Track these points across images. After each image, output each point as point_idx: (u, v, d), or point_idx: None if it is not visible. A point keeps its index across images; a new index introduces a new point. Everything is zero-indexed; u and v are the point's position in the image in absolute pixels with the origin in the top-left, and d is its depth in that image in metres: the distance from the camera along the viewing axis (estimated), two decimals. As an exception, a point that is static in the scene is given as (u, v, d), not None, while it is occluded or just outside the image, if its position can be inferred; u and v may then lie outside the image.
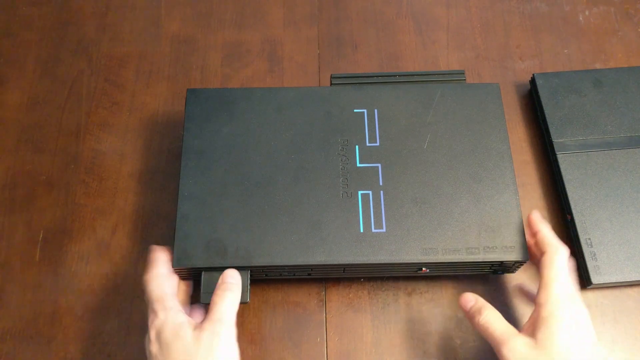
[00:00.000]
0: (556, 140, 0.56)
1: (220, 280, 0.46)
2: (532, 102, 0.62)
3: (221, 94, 0.53)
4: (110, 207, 0.57)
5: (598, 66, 0.64)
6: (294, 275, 0.50)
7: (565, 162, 0.55)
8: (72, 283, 0.53)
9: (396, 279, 0.53)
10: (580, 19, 0.68)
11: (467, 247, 0.47)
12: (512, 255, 0.47)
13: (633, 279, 0.51)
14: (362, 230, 0.47)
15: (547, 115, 0.58)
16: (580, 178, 0.54)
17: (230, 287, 0.45)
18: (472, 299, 0.46)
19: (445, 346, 0.50)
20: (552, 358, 0.39)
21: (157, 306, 0.44)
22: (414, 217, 0.48)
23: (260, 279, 0.50)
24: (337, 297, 0.52)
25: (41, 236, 0.56)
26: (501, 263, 0.48)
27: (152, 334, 0.43)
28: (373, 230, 0.47)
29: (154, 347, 0.43)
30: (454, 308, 0.52)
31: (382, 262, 0.47)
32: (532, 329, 0.42)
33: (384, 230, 0.47)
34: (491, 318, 0.43)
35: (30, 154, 0.60)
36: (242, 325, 0.51)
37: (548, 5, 0.69)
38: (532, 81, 0.61)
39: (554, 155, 0.56)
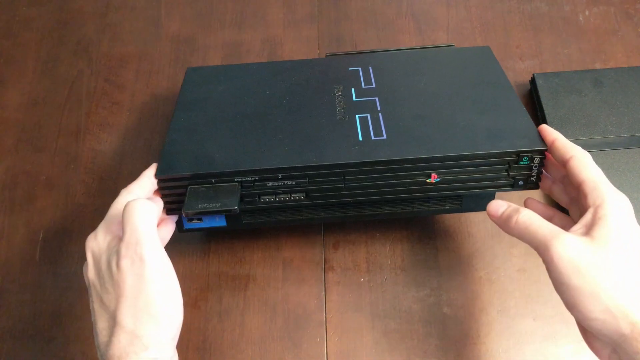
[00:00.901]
0: (556, 140, 0.56)
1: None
2: (532, 102, 0.62)
3: (221, 69, 0.55)
4: (110, 207, 0.57)
5: (598, 66, 0.64)
6: (290, 196, 0.45)
7: (565, 162, 0.55)
8: (72, 283, 0.53)
9: (396, 277, 0.53)
10: (580, 19, 0.68)
11: (478, 143, 0.43)
12: (529, 144, 0.43)
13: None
14: (361, 139, 0.45)
15: (547, 115, 0.58)
16: (580, 178, 0.54)
17: (139, 198, 0.41)
18: (502, 204, 0.41)
19: (445, 346, 0.50)
20: (611, 254, 0.35)
21: (101, 226, 0.41)
22: (417, 127, 0.45)
23: (253, 208, 0.46)
24: (337, 297, 0.52)
25: (41, 236, 0.56)
26: (518, 159, 0.44)
27: (89, 257, 0.40)
28: (373, 138, 0.45)
29: (91, 274, 0.39)
30: (454, 308, 0.52)
31: (386, 158, 0.43)
32: (584, 230, 0.37)
33: (384, 137, 0.45)
34: (532, 216, 0.38)
35: (30, 154, 0.60)
36: (242, 325, 0.51)
37: (548, 5, 0.69)
38: (532, 81, 0.61)
39: (554, 155, 0.56)
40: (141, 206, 0.39)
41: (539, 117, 0.60)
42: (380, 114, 0.47)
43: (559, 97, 0.58)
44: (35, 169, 0.59)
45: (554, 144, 0.42)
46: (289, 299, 0.52)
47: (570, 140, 0.55)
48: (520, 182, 0.46)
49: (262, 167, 0.43)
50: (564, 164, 0.42)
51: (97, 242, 0.40)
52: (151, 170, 0.44)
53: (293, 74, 0.53)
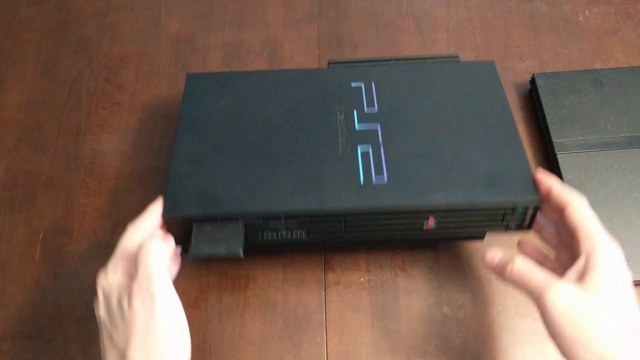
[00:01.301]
0: (556, 140, 0.56)
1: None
2: (532, 102, 0.62)
3: (221, 77, 0.54)
4: (110, 207, 0.57)
5: (598, 66, 0.64)
6: (292, 235, 0.47)
7: (565, 162, 0.55)
8: (72, 283, 0.53)
9: (396, 278, 0.53)
10: (580, 19, 0.68)
11: (475, 193, 0.45)
12: (525, 198, 0.44)
13: (633, 279, 0.51)
14: (362, 183, 0.46)
15: (547, 115, 0.58)
16: (580, 178, 0.54)
17: (152, 236, 0.43)
18: (497, 253, 0.42)
19: (445, 346, 0.50)
20: (602, 302, 0.36)
21: (110, 263, 0.42)
22: (417, 168, 0.46)
23: (256, 243, 0.47)
24: (337, 297, 0.52)
25: (41, 236, 0.56)
26: (513, 210, 0.45)
27: (100, 294, 0.41)
28: (374, 181, 0.46)
29: (102, 311, 0.40)
30: (454, 308, 0.52)
31: (385, 208, 0.44)
32: (576, 277, 0.38)
33: (385, 181, 0.45)
34: (526, 264, 0.40)
35: (30, 154, 0.60)
36: (242, 325, 0.51)
37: (548, 5, 0.69)
38: (532, 81, 0.61)
39: (554, 155, 0.56)
40: (155, 247, 0.40)
41: (539, 117, 0.60)
42: (381, 148, 0.48)
43: (559, 97, 0.58)
44: (35, 169, 0.59)
45: (550, 193, 0.43)
46: (289, 299, 0.52)
47: (570, 141, 0.55)
48: (513, 227, 0.47)
49: (265, 211, 0.44)
50: (559, 211, 0.42)
51: (107, 280, 0.41)
52: (157, 206, 0.45)
53: (295, 88, 0.53)
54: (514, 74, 0.64)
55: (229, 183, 0.46)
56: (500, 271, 0.41)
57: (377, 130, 0.49)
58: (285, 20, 0.68)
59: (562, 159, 0.55)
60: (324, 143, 0.48)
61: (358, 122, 0.50)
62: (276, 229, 0.46)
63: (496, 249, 0.43)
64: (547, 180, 0.44)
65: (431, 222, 0.46)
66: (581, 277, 0.38)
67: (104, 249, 0.55)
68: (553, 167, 0.57)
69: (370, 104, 0.51)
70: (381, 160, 0.47)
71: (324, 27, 0.68)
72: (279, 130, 0.49)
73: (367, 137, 0.48)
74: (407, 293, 0.52)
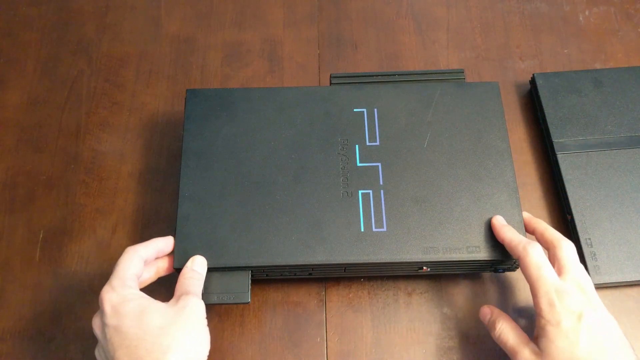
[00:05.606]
0: (556, 140, 0.56)
1: (189, 264, 0.45)
2: (532, 102, 0.62)
3: (221, 94, 0.54)
4: (110, 207, 0.57)
5: (598, 66, 0.64)
6: (295, 275, 0.50)
7: (565, 162, 0.55)
8: (72, 283, 0.53)
9: (396, 278, 0.53)
10: (580, 19, 0.68)
11: (468, 246, 0.47)
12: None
13: (633, 279, 0.51)
14: (362, 230, 0.48)
15: (547, 115, 0.58)
16: (580, 178, 0.54)
17: (197, 276, 0.45)
18: (488, 312, 0.47)
19: (445, 346, 0.50)
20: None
21: (117, 282, 0.42)
22: (414, 216, 0.48)
23: (261, 278, 0.50)
24: (337, 297, 0.52)
25: (41, 236, 0.56)
26: (502, 261, 0.48)
27: (107, 307, 0.41)
28: (374, 229, 0.48)
29: (112, 320, 0.40)
30: (454, 308, 0.52)
31: (383, 261, 0.47)
32: (537, 337, 0.42)
33: (384, 229, 0.48)
34: (505, 329, 0.45)
35: (30, 154, 0.60)
36: (242, 325, 0.51)
37: (548, 5, 0.69)
38: (532, 81, 0.61)
39: (554, 155, 0.56)
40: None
41: (539, 117, 0.60)
42: (381, 191, 0.49)
43: (559, 97, 0.58)
44: (35, 169, 0.59)
45: (544, 234, 0.46)
46: (289, 299, 0.52)
47: (570, 141, 0.56)
48: (501, 270, 0.50)
49: (271, 263, 0.46)
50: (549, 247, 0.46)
51: (115, 292, 0.42)
52: (163, 242, 0.47)
53: (297, 112, 0.52)
54: (514, 74, 0.64)
55: (235, 232, 0.47)
56: (490, 331, 0.46)
57: (378, 169, 0.50)
58: (285, 20, 0.68)
59: (562, 159, 0.55)
60: (327, 182, 0.49)
61: (360, 158, 0.50)
62: (281, 273, 0.49)
63: (487, 308, 0.47)
64: (535, 222, 0.48)
65: (426, 268, 0.48)
66: (537, 339, 0.42)
67: (104, 249, 0.55)
68: (553, 167, 0.57)
69: (372, 137, 0.51)
70: (381, 208, 0.48)
71: (324, 27, 0.68)
72: (282, 167, 0.50)
73: (368, 178, 0.50)
74: (407, 293, 0.52)
